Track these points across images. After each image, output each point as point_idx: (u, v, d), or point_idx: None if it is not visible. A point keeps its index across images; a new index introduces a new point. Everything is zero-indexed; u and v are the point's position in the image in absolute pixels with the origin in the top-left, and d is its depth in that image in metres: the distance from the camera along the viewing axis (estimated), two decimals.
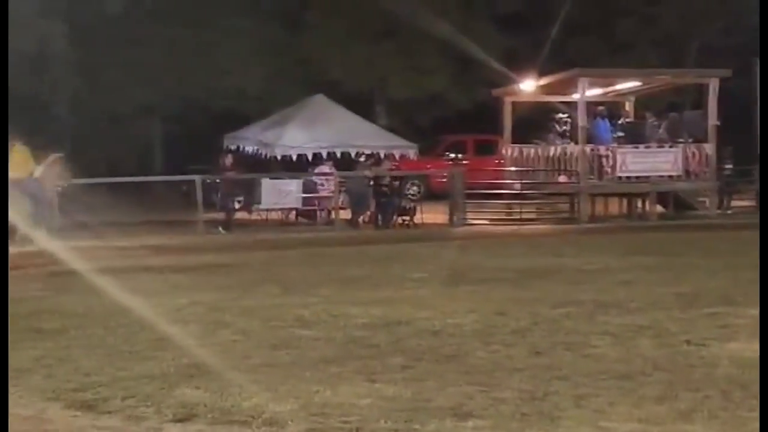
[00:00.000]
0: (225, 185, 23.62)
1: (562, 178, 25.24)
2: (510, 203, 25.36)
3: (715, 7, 35.97)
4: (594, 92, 26.27)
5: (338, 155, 27.21)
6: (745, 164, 26.61)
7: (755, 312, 8.66)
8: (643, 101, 28.56)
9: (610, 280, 12.12)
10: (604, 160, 24.53)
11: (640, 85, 27.47)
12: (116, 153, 33.12)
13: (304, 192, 24.23)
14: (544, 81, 26.48)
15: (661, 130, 25.64)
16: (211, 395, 6.44)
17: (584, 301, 10.16)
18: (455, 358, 7.54)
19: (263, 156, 28.09)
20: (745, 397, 6.12)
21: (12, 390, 6.77)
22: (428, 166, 31.30)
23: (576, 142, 24.85)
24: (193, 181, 22.83)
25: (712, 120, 24.96)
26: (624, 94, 27.83)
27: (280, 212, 24.94)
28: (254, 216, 24.63)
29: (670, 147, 24.97)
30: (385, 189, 23.75)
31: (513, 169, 26.64)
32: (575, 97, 25.35)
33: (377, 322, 9.12)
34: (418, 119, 37.43)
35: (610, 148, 24.64)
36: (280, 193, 24.02)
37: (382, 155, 26.81)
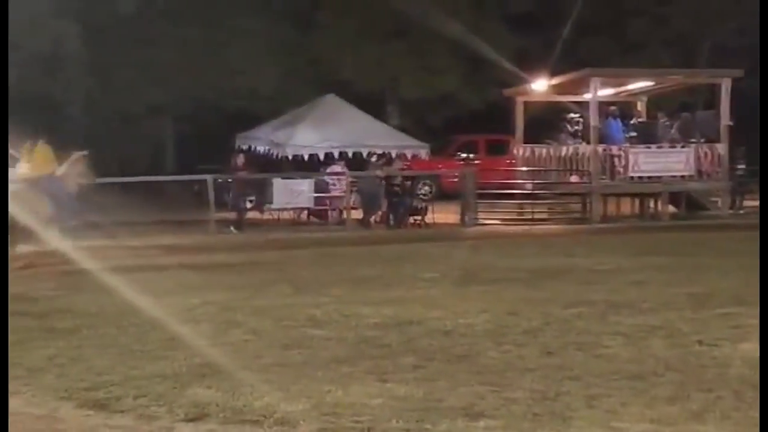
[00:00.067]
0: (237, 185, 23.64)
1: (573, 178, 25.20)
2: (522, 203, 25.32)
3: (728, 6, 35.86)
4: (606, 92, 26.23)
5: (350, 155, 27.23)
6: (757, 164, 26.48)
7: None
8: (655, 101, 28.49)
9: (622, 280, 12.10)
10: (616, 160, 24.49)
11: (652, 85, 27.41)
12: (128, 152, 33.18)
13: (316, 192, 24.24)
14: (555, 81, 26.44)
15: (673, 130, 25.58)
16: (223, 395, 6.45)
17: (596, 302, 10.14)
18: (467, 358, 7.54)
19: (275, 156, 28.12)
20: (757, 397, 6.09)
21: (24, 389, 6.80)
22: (440, 166, 31.28)
23: (588, 142, 24.81)
24: (205, 180, 22.86)
25: (725, 120, 24.91)
26: (636, 94, 27.77)
27: (291, 212, 24.96)
28: (266, 216, 24.65)
29: (683, 147, 24.92)
30: (396, 189, 23.74)
31: (525, 169, 26.60)
32: (587, 97, 25.31)
33: (389, 322, 9.12)
34: (430, 119, 37.42)
35: (622, 148, 24.60)
36: (292, 193, 24.03)
37: (393, 155, 26.81)
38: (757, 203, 26.53)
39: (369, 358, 7.56)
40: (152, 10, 32.57)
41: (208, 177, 22.77)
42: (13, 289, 12.11)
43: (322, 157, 27.20)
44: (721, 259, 14.22)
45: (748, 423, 5.69)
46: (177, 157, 35.95)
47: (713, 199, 25.69)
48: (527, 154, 26.84)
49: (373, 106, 32.04)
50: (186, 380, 6.89)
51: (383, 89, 36.46)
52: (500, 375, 6.92)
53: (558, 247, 17.26)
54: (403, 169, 25.60)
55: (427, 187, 30.44)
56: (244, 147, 28.61)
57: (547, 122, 27.98)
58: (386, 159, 26.24)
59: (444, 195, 28.59)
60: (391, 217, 23.49)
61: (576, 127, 26.15)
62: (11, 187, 16.82)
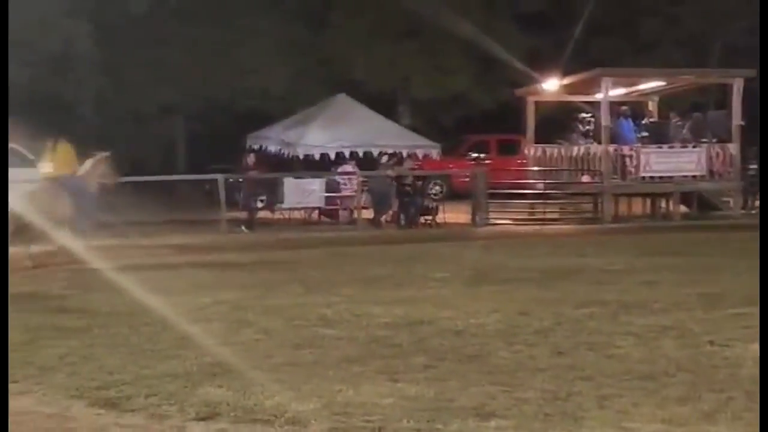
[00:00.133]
0: (248, 184, 23.67)
1: (585, 178, 25.16)
2: (533, 203, 25.28)
3: (740, 6, 35.73)
4: (617, 92, 26.18)
5: (361, 155, 27.24)
6: None
7: None
8: (667, 101, 28.43)
9: (634, 280, 12.08)
10: (627, 160, 24.45)
11: (664, 85, 27.35)
12: (140, 152, 33.21)
13: (327, 191, 24.24)
14: (567, 81, 26.41)
15: (684, 130, 25.52)
16: (234, 394, 6.46)
17: (607, 302, 10.13)
18: (478, 358, 7.54)
19: (286, 155, 28.15)
20: None
21: (36, 388, 6.82)
22: (451, 165, 31.28)
23: (599, 142, 24.78)
24: (216, 180, 22.88)
25: (737, 120, 24.85)
26: (647, 93, 27.72)
27: (302, 211, 24.97)
28: (277, 215, 24.66)
29: (694, 147, 24.87)
30: (407, 189, 23.73)
31: (536, 168, 26.58)
32: (598, 96, 25.28)
33: (400, 322, 9.12)
34: (441, 119, 37.41)
35: (634, 148, 24.56)
36: (303, 193, 24.04)
37: (404, 155, 26.80)
38: None
39: (380, 358, 7.56)
40: (164, 10, 32.62)
41: (219, 176, 22.80)
42: (25, 288, 12.17)
43: (333, 156, 27.22)
44: (733, 259, 14.18)
45: None
46: (188, 157, 35.99)
47: (725, 199, 25.62)
48: (538, 153, 26.82)
49: (384, 105, 32.04)
50: (197, 379, 6.89)
51: (395, 89, 36.45)
52: (511, 375, 6.92)
53: (569, 247, 17.24)
54: (414, 169, 25.59)
55: (438, 187, 30.44)
56: (256, 147, 28.65)
57: (558, 122, 27.95)
58: (397, 159, 26.23)
59: (455, 195, 28.59)
60: (401, 216, 23.49)
61: (587, 127, 26.12)
62: (30, 186, 16.91)
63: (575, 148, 25.55)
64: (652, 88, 27.26)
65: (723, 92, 27.89)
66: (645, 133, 25.55)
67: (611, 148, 24.33)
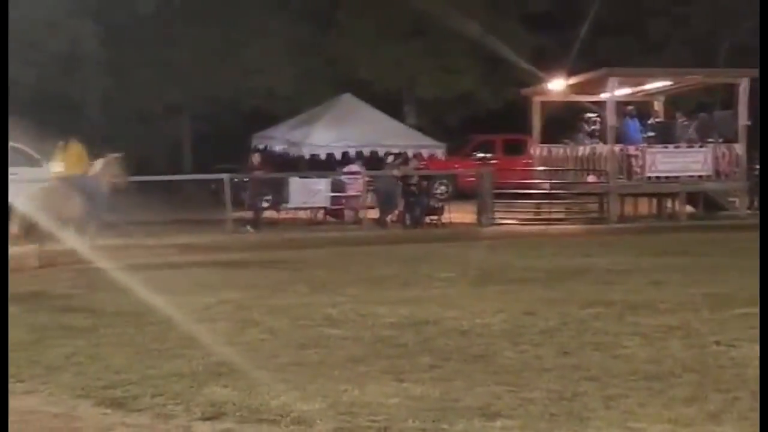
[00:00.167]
0: (253, 184, 23.66)
1: (591, 178, 25.13)
2: (539, 203, 25.24)
3: (747, 6, 35.68)
4: (623, 92, 26.15)
5: (366, 154, 27.24)
6: None
7: None
8: (673, 101, 28.40)
9: (640, 280, 12.07)
10: (633, 159, 24.41)
11: (670, 85, 27.30)
12: (146, 152, 33.27)
13: (333, 191, 24.23)
14: (573, 80, 26.36)
15: (691, 130, 25.48)
16: (240, 394, 6.46)
17: (613, 302, 10.12)
18: (483, 358, 7.53)
19: (291, 155, 28.15)
20: None
21: (42, 387, 6.83)
22: (456, 165, 31.24)
23: (605, 142, 24.75)
24: (222, 180, 22.89)
25: (743, 120, 24.81)
26: (654, 93, 27.69)
27: (308, 211, 24.96)
28: (282, 215, 24.66)
29: (700, 147, 24.83)
30: (413, 188, 23.71)
31: (542, 168, 26.54)
32: (604, 96, 25.25)
33: (405, 322, 9.12)
34: (447, 119, 37.39)
35: (640, 148, 24.53)
36: (309, 192, 24.02)
37: (410, 155, 26.78)
38: None
39: (385, 358, 7.56)
40: (170, 10, 32.66)
41: (225, 176, 22.79)
42: (31, 287, 12.19)
43: (338, 156, 27.22)
44: (739, 259, 14.16)
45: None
46: (194, 157, 36.02)
47: (731, 199, 25.58)
48: (544, 153, 26.78)
49: (390, 105, 32.03)
50: (203, 379, 6.90)
51: (400, 89, 36.45)
52: (517, 375, 6.91)
53: (575, 247, 17.23)
54: (419, 169, 25.57)
55: (443, 187, 30.38)
56: (261, 146, 28.64)
57: (564, 122, 27.91)
58: (403, 158, 26.21)
59: (461, 195, 28.55)
60: (407, 216, 23.47)
61: (593, 127, 26.07)
62: (40, 185, 16.95)
63: (581, 148, 25.50)
64: (659, 88, 27.22)
65: (729, 92, 27.85)
66: (651, 133, 25.52)
67: (617, 148, 24.30)
